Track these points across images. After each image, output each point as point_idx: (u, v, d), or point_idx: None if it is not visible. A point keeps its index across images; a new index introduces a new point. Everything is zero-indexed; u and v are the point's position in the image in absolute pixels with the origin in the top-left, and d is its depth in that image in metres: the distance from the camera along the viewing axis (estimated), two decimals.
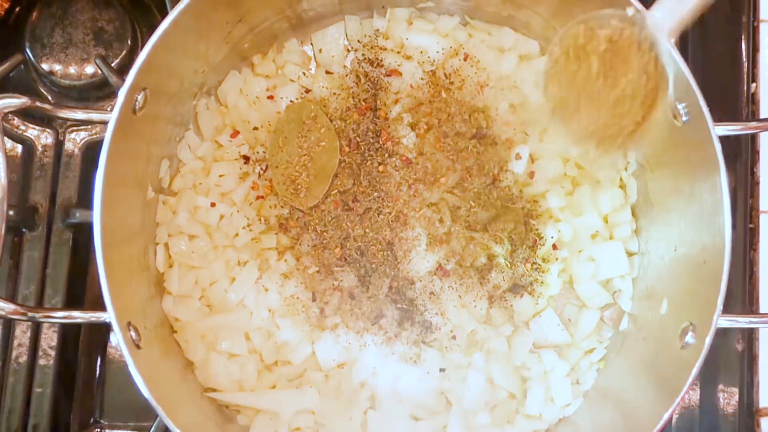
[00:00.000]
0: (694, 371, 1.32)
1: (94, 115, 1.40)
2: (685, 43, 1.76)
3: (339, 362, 1.57)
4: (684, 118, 1.41)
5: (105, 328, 1.31)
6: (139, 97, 1.38)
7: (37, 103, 1.35)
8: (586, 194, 1.62)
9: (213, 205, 1.62)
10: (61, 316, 1.41)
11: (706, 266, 1.39)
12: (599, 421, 1.55)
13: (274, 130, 1.63)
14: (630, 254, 1.63)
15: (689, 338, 1.38)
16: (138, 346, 1.35)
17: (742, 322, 1.41)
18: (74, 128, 1.68)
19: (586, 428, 1.56)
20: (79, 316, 1.37)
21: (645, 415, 1.38)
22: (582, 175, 1.64)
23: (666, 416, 1.33)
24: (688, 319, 1.39)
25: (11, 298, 1.60)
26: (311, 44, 1.71)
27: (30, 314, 1.34)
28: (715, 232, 1.37)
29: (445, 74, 1.64)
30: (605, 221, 1.63)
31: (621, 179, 1.64)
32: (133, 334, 1.34)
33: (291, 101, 1.65)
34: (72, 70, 1.70)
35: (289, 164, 1.60)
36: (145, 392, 1.29)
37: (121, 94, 1.33)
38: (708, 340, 1.32)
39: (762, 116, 1.74)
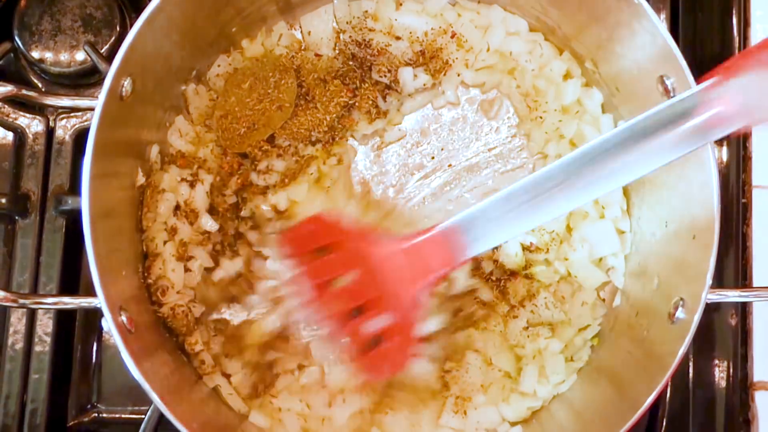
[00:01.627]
0: (684, 346, 1.32)
1: (81, 102, 1.41)
2: (675, 17, 1.76)
3: None
4: (672, 94, 1.41)
5: (100, 314, 1.31)
6: (126, 82, 1.37)
7: (23, 91, 1.36)
8: None
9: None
10: (52, 302, 1.42)
11: (696, 242, 1.39)
12: (593, 397, 1.55)
13: (236, 70, 1.64)
14: (621, 232, 1.63)
15: (680, 313, 1.38)
16: (130, 331, 1.35)
17: (732, 296, 1.42)
18: (65, 116, 1.68)
19: (580, 404, 1.57)
20: (70, 301, 1.38)
21: (638, 391, 1.38)
22: None
23: (657, 391, 1.34)
24: (679, 295, 1.39)
25: (6, 286, 1.61)
26: (300, 27, 1.70)
27: (21, 301, 1.35)
28: (705, 207, 1.37)
29: (432, 54, 1.64)
30: (595, 201, 1.63)
31: None
32: (124, 318, 1.34)
33: (270, 51, 1.66)
34: (62, 57, 1.70)
35: (238, 108, 1.60)
36: (138, 377, 1.30)
37: (107, 80, 1.33)
38: (697, 315, 1.33)
39: None
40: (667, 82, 1.41)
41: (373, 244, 1.36)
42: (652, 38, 1.40)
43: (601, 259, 1.63)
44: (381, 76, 1.64)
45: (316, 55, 1.67)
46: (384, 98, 1.65)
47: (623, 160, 1.20)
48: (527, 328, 1.60)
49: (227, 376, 1.57)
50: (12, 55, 1.72)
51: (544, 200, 1.23)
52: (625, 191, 1.64)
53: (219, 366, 1.56)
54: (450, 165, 1.67)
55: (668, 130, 1.18)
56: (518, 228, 1.28)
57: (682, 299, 1.38)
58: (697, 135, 1.18)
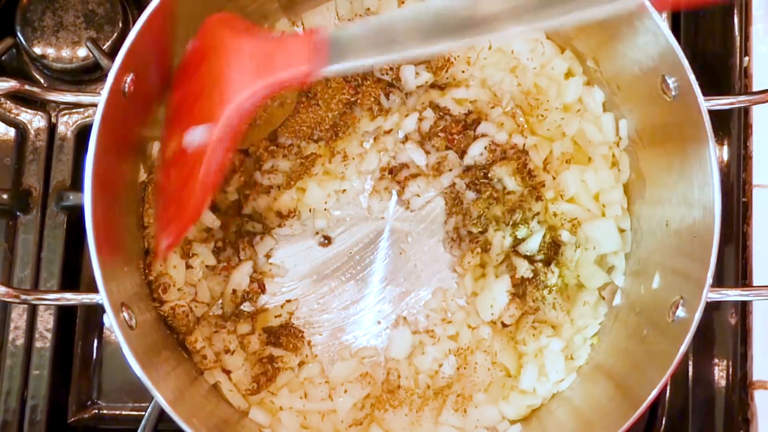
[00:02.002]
0: (684, 345, 1.33)
1: (84, 98, 1.40)
2: (677, 16, 1.76)
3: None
4: (673, 93, 1.41)
5: (101, 310, 1.31)
6: (129, 79, 1.37)
7: (26, 87, 1.36)
8: (576, 174, 1.62)
9: None
10: (54, 298, 1.42)
11: (696, 241, 1.39)
12: (593, 396, 1.55)
13: None
14: (621, 231, 1.63)
15: (680, 312, 1.38)
16: (131, 328, 1.35)
17: (732, 295, 1.42)
18: (67, 111, 1.68)
19: (580, 403, 1.57)
20: (72, 297, 1.38)
21: (638, 389, 1.39)
22: (576, 151, 1.64)
23: (657, 389, 1.34)
24: (679, 293, 1.40)
25: (7, 282, 1.61)
26: (302, 24, 1.70)
27: (23, 297, 1.35)
28: (706, 206, 1.37)
29: None
30: (596, 200, 1.63)
31: (614, 156, 1.64)
32: (126, 315, 1.35)
33: None
34: (64, 53, 1.70)
35: None
36: (139, 373, 1.30)
37: (110, 76, 1.33)
38: (698, 313, 1.33)
39: (754, 89, 1.74)
40: (669, 81, 1.41)
41: (235, 29, 1.29)
42: (653, 37, 1.40)
43: (603, 259, 1.63)
44: (383, 74, 1.64)
45: None
46: (387, 96, 1.65)
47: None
48: (534, 326, 1.61)
49: (227, 372, 1.57)
50: (14, 50, 1.72)
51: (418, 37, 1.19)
52: (626, 190, 1.64)
53: (220, 362, 1.57)
54: None
55: None
56: (382, 55, 1.22)
57: (682, 298, 1.39)
58: None
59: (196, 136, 1.26)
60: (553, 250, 1.61)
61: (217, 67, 1.26)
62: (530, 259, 1.61)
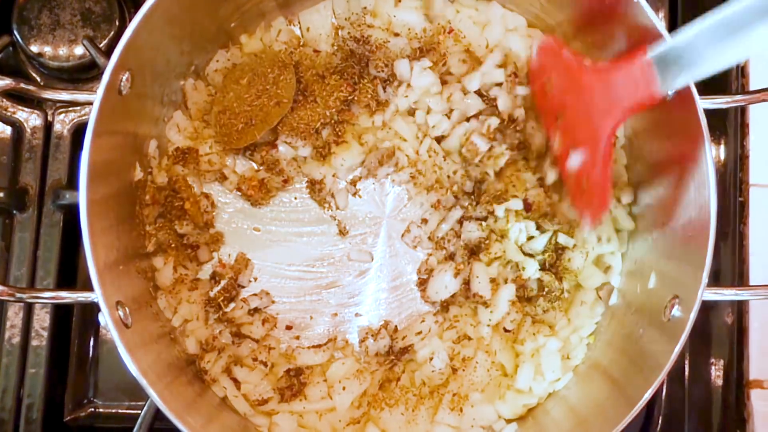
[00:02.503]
0: (680, 344, 1.33)
1: (79, 96, 1.41)
2: (674, 16, 1.76)
3: None
4: (670, 92, 1.41)
5: (97, 309, 1.31)
6: (125, 77, 1.38)
7: (22, 85, 1.36)
8: None
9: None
10: (50, 296, 1.42)
11: (692, 240, 1.39)
12: (589, 395, 1.55)
13: (234, 65, 1.64)
14: (618, 231, 1.63)
15: (676, 311, 1.38)
16: (127, 326, 1.35)
17: (728, 294, 1.42)
18: (63, 110, 1.68)
19: (576, 402, 1.57)
20: (67, 296, 1.38)
21: (634, 388, 1.39)
22: None
23: (653, 389, 1.34)
24: (675, 293, 1.40)
25: (3, 280, 1.61)
26: (298, 23, 1.70)
27: (18, 295, 1.35)
28: (702, 206, 1.37)
29: (430, 49, 1.65)
30: None
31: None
32: (121, 313, 1.35)
33: (269, 46, 1.67)
34: (60, 51, 1.70)
35: (236, 104, 1.60)
36: (134, 372, 1.30)
37: (105, 74, 1.33)
38: (693, 313, 1.33)
39: (751, 89, 1.73)
40: None
41: (579, 71, 1.43)
42: (650, 36, 1.40)
43: (600, 259, 1.63)
44: (378, 71, 1.63)
45: (315, 51, 1.67)
46: (384, 89, 1.65)
47: None
48: (534, 324, 1.61)
49: (235, 381, 1.57)
50: (11, 48, 1.72)
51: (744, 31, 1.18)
52: (623, 189, 1.64)
53: (227, 372, 1.57)
54: None
55: None
56: (719, 60, 1.24)
57: (678, 297, 1.39)
58: None
59: (577, 159, 1.47)
60: (557, 255, 1.61)
61: (582, 105, 1.43)
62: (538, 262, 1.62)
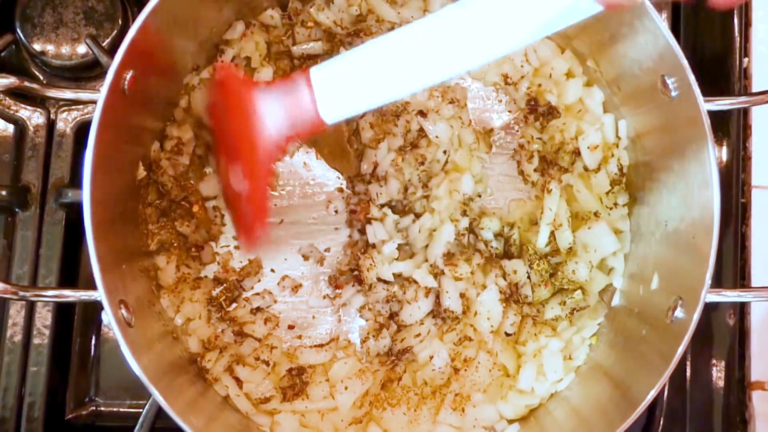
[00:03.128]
0: (683, 346, 1.33)
1: (83, 95, 1.40)
2: (677, 17, 1.76)
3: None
4: (673, 93, 1.41)
5: (99, 307, 1.31)
6: (128, 76, 1.37)
7: (25, 83, 1.35)
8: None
9: None
10: (52, 294, 1.42)
11: (695, 241, 1.39)
12: (591, 396, 1.55)
13: None
14: (620, 232, 1.63)
15: (678, 313, 1.38)
16: (130, 325, 1.35)
17: (731, 296, 1.42)
18: (66, 108, 1.68)
19: (578, 403, 1.57)
20: (70, 294, 1.38)
21: (636, 390, 1.39)
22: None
23: (655, 390, 1.34)
24: (678, 294, 1.40)
25: (5, 278, 1.61)
26: (289, 12, 1.68)
27: (21, 293, 1.34)
28: (705, 207, 1.37)
29: None
30: (599, 201, 1.63)
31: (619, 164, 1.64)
32: (124, 312, 1.35)
33: None
34: (63, 50, 1.69)
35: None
36: (137, 371, 1.30)
37: (109, 74, 1.33)
38: (696, 314, 1.33)
39: (754, 91, 1.73)
40: (669, 82, 1.41)
41: (247, 89, 1.40)
42: (653, 37, 1.40)
43: (603, 262, 1.63)
44: None
45: None
46: None
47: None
48: (535, 325, 1.61)
49: (236, 380, 1.57)
50: (14, 47, 1.71)
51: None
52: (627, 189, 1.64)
53: (229, 371, 1.57)
54: None
55: None
56: (377, 95, 1.30)
57: (680, 299, 1.39)
58: None
59: (239, 180, 1.47)
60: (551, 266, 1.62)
61: (243, 124, 1.39)
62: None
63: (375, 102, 1.34)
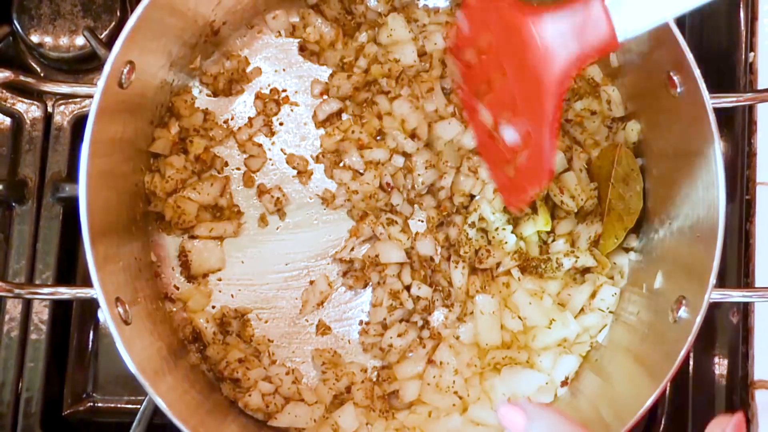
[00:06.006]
0: (687, 345, 1.31)
1: (79, 89, 1.39)
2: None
3: None
4: (679, 89, 1.39)
5: (97, 303, 1.30)
6: (126, 69, 1.36)
7: (21, 77, 1.34)
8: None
9: None
10: (48, 292, 1.41)
11: (699, 241, 1.37)
12: (593, 395, 1.54)
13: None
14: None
15: (682, 312, 1.37)
16: (126, 322, 1.34)
17: (735, 296, 1.41)
18: (63, 101, 1.66)
19: (581, 402, 1.56)
20: (66, 292, 1.37)
21: (639, 389, 1.38)
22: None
23: (659, 390, 1.33)
24: (682, 293, 1.38)
25: (1, 273, 1.60)
26: None
27: (16, 291, 1.33)
28: (710, 205, 1.35)
29: None
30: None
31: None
32: (120, 310, 1.33)
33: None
34: (61, 42, 1.68)
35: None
36: (133, 369, 1.29)
37: (106, 67, 1.31)
38: (701, 314, 1.31)
39: (760, 86, 1.72)
40: (674, 78, 1.39)
41: (520, 19, 1.18)
42: (659, 32, 1.38)
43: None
44: None
45: None
46: None
47: None
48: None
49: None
50: (11, 38, 1.70)
51: None
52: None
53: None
54: None
55: None
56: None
57: (684, 298, 1.37)
58: None
59: (511, 132, 1.29)
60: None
61: (521, 62, 1.21)
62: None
63: (678, 9, 1.15)
